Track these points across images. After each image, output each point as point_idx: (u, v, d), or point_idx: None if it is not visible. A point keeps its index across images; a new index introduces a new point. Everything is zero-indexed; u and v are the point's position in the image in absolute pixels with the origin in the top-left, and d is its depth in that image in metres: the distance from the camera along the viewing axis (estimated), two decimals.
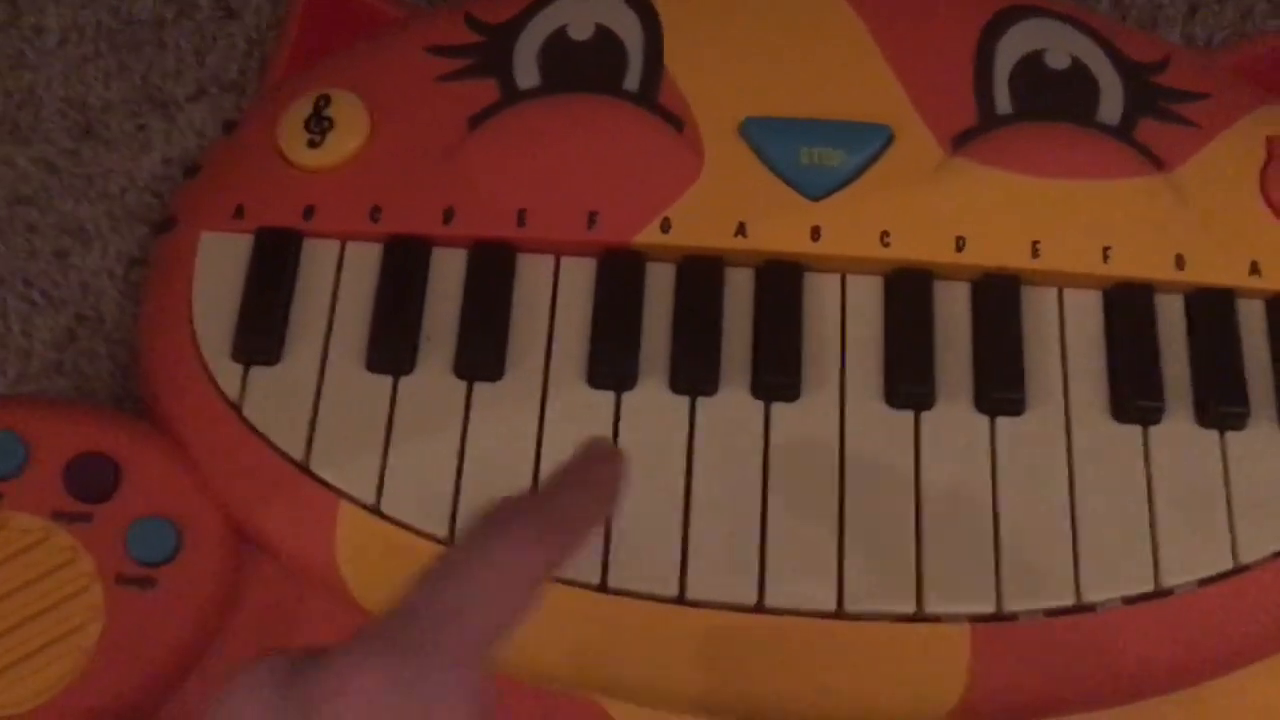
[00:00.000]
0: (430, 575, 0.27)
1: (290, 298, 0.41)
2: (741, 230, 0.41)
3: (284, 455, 0.39)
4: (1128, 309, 0.41)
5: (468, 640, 0.26)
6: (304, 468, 0.39)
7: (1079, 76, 0.44)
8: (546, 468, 0.39)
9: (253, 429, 0.40)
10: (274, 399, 0.40)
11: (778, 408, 0.40)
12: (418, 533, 0.39)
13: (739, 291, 0.41)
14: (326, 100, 0.43)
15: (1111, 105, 0.44)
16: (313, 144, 0.43)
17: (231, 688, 0.26)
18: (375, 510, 0.39)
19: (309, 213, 0.42)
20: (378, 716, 0.25)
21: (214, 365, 0.40)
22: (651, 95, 0.43)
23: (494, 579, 0.27)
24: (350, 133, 0.43)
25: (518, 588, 0.27)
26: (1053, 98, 0.44)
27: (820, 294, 0.41)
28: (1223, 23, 0.52)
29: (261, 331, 0.41)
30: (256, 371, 0.40)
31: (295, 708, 0.25)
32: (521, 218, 0.42)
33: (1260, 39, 0.50)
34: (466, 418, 0.40)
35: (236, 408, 0.40)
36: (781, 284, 0.41)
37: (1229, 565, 0.38)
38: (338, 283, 0.42)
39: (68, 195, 0.48)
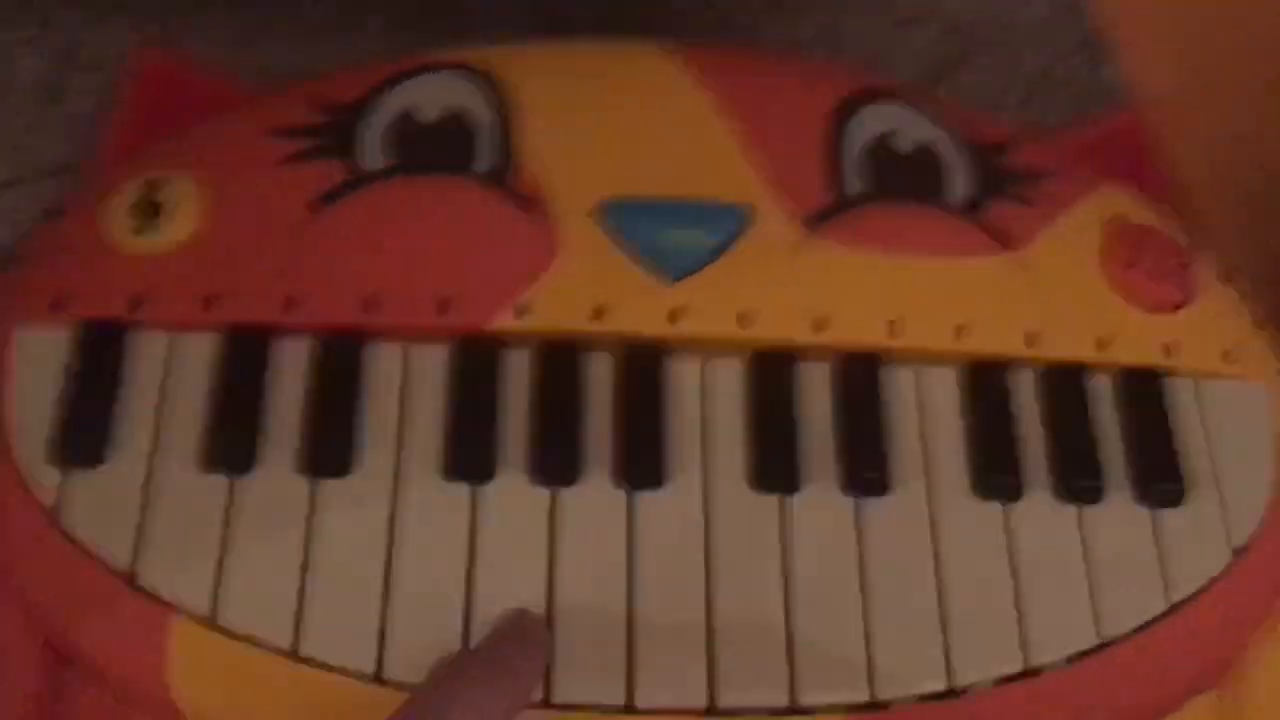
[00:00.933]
0: (405, 711, 0.31)
1: (114, 394, 0.38)
2: (599, 314, 0.40)
3: (108, 567, 0.36)
4: (983, 386, 0.41)
5: None
6: (131, 580, 0.36)
7: (927, 158, 0.45)
8: (399, 568, 0.37)
9: (72, 539, 0.36)
10: (96, 505, 0.37)
11: (642, 496, 0.39)
12: (261, 645, 0.36)
13: (599, 377, 0.40)
14: (156, 184, 0.41)
15: (959, 186, 0.44)
16: (140, 230, 0.40)
17: None
18: (212, 623, 0.36)
19: (136, 303, 0.39)
20: None
21: (27, 469, 0.37)
22: (503, 177, 0.42)
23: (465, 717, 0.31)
24: (182, 218, 0.40)
25: None
26: (903, 179, 0.44)
27: (682, 378, 0.41)
28: (1054, 107, 0.55)
29: (81, 430, 0.38)
30: (76, 475, 0.37)
31: None
32: (369, 304, 0.40)
33: (1096, 122, 0.52)
34: (311, 518, 0.37)
35: (54, 516, 0.37)
36: (642, 368, 0.40)
37: (1094, 641, 0.38)
38: (168, 376, 0.39)
39: None
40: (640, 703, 0.36)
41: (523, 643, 0.35)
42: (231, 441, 0.38)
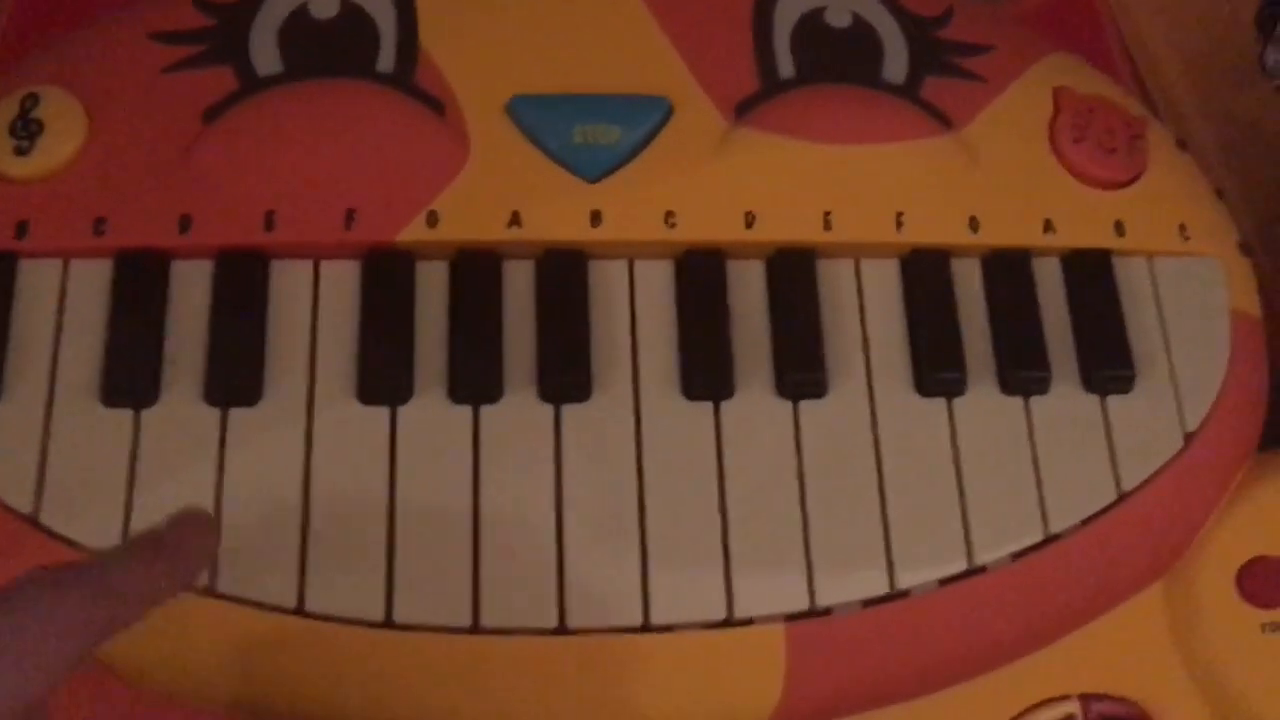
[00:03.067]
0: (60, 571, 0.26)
1: (5, 327, 0.36)
2: (516, 220, 0.38)
3: (9, 509, 0.35)
4: (924, 278, 0.39)
5: None
6: (34, 521, 0.35)
7: (861, 34, 0.42)
8: (316, 498, 0.35)
9: None
10: None
11: (569, 410, 0.37)
12: None
13: (518, 286, 0.38)
14: (34, 100, 0.38)
15: (896, 63, 0.42)
16: (20, 151, 0.38)
17: None
18: None
19: (22, 230, 0.37)
20: None
21: None
22: (407, 77, 0.39)
23: (21, 627, 0.25)
24: (63, 136, 0.38)
25: (48, 644, 0.26)
26: (835, 58, 0.42)
27: (606, 283, 0.39)
28: None
29: None
30: None
31: None
32: (270, 220, 0.38)
33: None
34: (222, 449, 0.36)
35: None
36: (564, 275, 0.38)
37: (1039, 537, 0.37)
38: (62, 307, 0.37)
39: None
40: (572, 623, 0.35)
41: (162, 559, 0.31)
42: (132, 373, 0.36)
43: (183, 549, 0.30)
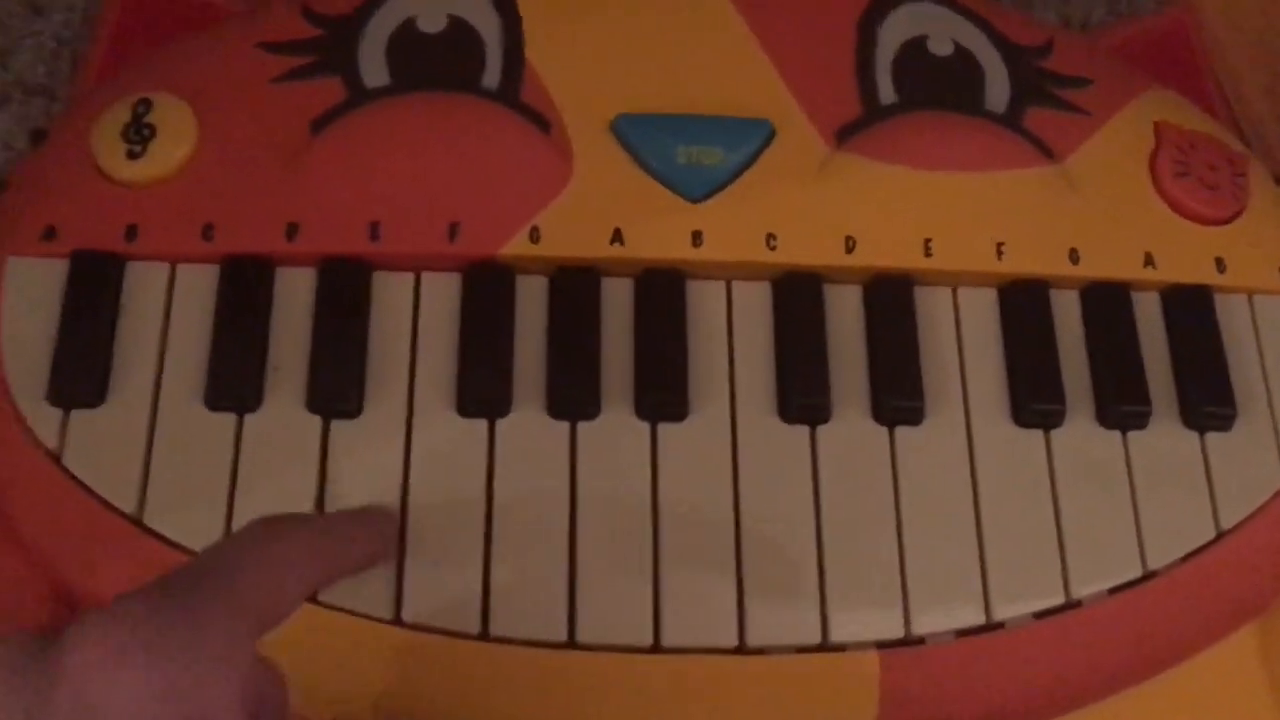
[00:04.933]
0: (203, 552, 0.28)
1: (113, 329, 0.37)
2: (618, 237, 0.38)
3: (113, 509, 0.35)
4: (1024, 308, 0.39)
5: (236, 605, 0.26)
6: (137, 522, 0.35)
7: (963, 63, 0.42)
8: (415, 509, 0.35)
9: (76, 481, 0.35)
10: (100, 446, 0.36)
11: (665, 428, 0.37)
12: None
13: (618, 304, 0.38)
14: (147, 105, 0.39)
15: (998, 92, 0.42)
16: (133, 155, 0.38)
17: None
18: None
19: (131, 233, 0.38)
20: (136, 682, 0.24)
21: (27, 410, 0.36)
22: (513, 92, 0.40)
23: (265, 562, 0.27)
24: (175, 141, 0.38)
25: (287, 578, 0.28)
26: (937, 86, 0.42)
27: (705, 303, 0.39)
28: (1097, 4, 0.52)
29: (81, 369, 0.36)
30: (78, 416, 0.36)
31: (36, 681, 0.24)
32: (375, 231, 0.38)
33: (1137, 21, 0.49)
34: (323, 457, 0.36)
35: (56, 458, 0.35)
36: (663, 294, 0.38)
37: (1138, 573, 0.37)
38: (168, 310, 0.37)
39: None
40: (667, 642, 0.35)
41: (360, 519, 0.34)
42: (236, 378, 0.36)
43: (380, 523, 0.34)
